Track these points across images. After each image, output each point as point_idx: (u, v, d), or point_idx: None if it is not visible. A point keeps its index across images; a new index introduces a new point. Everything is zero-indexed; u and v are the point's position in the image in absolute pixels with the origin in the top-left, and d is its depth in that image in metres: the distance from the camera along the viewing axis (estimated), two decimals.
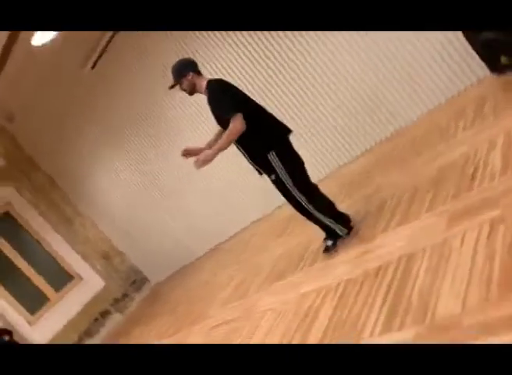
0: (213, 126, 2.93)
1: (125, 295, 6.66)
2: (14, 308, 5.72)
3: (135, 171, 5.88)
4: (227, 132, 2.56)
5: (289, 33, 3.99)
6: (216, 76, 4.17)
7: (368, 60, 3.80)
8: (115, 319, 6.42)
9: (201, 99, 2.80)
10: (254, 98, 2.84)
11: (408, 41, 3.56)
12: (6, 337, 4.93)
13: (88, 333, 6.11)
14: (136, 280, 6.87)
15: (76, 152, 6.16)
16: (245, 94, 2.77)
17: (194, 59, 2.95)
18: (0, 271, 5.92)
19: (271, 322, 2.57)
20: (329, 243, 2.75)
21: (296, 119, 4.36)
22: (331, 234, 2.75)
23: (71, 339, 5.86)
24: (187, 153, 2.89)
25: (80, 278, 6.44)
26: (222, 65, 4.46)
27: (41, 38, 4.31)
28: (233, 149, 2.71)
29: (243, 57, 4.34)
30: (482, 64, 3.29)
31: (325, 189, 3.93)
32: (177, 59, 2.93)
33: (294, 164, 2.68)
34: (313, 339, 2.02)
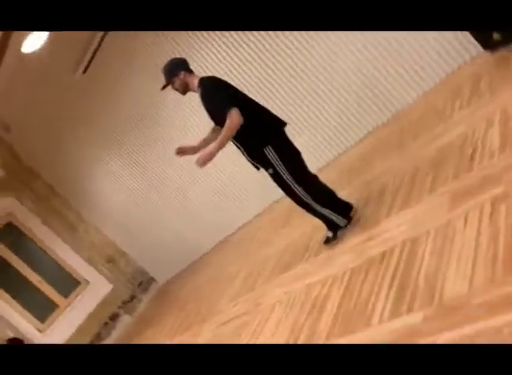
0: (209, 124, 2.92)
1: (133, 297, 6.69)
2: (23, 316, 5.75)
3: (135, 173, 5.88)
4: (225, 127, 2.54)
5: None
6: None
7: (360, 46, 3.78)
8: (125, 321, 6.46)
9: (196, 97, 2.79)
10: (247, 93, 2.83)
11: None
12: None
13: (99, 337, 6.14)
14: (143, 281, 6.89)
15: (75, 158, 6.16)
16: (238, 90, 2.76)
17: (185, 58, 2.93)
18: (7, 281, 5.95)
19: (280, 314, 2.57)
20: (329, 234, 2.75)
21: (292, 109, 4.35)
22: (331, 226, 2.74)
23: None
24: (181, 151, 2.89)
25: (87, 283, 6.46)
26: (215, 63, 4.44)
27: (31, 45, 4.29)
28: (230, 145, 2.70)
29: (236, 52, 4.32)
30: (474, 41, 3.27)
31: (325, 177, 3.93)
32: (168, 59, 2.91)
33: (291, 157, 2.67)
34: (323, 328, 2.03)
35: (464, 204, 1.90)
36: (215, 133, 2.88)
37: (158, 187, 5.81)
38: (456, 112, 2.88)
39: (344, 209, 2.77)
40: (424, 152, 2.77)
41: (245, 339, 2.68)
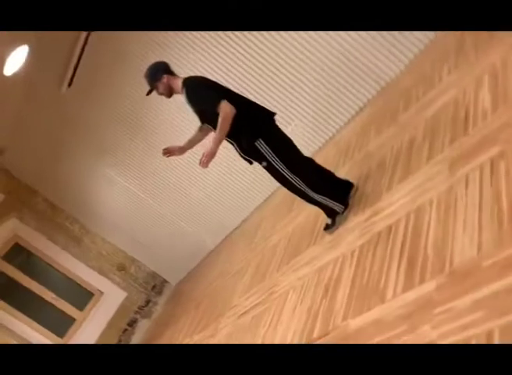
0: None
1: (148, 301, 6.72)
2: (42, 334, 5.79)
3: (133, 179, 5.87)
4: (220, 121, 2.53)
5: None
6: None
7: None
8: (144, 325, 6.50)
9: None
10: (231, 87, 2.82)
11: None
12: None
13: None
14: (156, 285, 6.93)
15: (71, 172, 6.15)
16: (221, 85, 2.75)
17: (165, 61, 2.91)
18: (21, 302, 5.98)
19: (295, 299, 2.58)
20: (329, 221, 2.75)
21: (277, 97, 4.34)
22: (329, 212, 2.74)
23: None
24: (168, 152, 2.88)
25: (101, 293, 6.48)
26: (194, 62, 4.41)
27: (12, 67, 4.28)
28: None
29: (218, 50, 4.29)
30: None
31: (324, 157, 3.94)
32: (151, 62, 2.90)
33: (283, 147, 2.66)
34: (339, 308, 2.03)
35: (463, 168, 1.89)
36: (201, 132, 2.88)
37: (158, 189, 5.81)
38: (445, 76, 2.86)
39: (344, 191, 2.77)
40: (417, 121, 2.75)
41: (263, 328, 2.69)
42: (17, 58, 4.47)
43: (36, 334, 5.74)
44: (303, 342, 2.11)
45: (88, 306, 6.35)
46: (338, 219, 2.71)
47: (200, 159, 2.60)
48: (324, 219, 2.94)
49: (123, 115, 5.21)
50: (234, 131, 2.56)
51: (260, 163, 2.66)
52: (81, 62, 4.78)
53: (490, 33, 2.72)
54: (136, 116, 5.15)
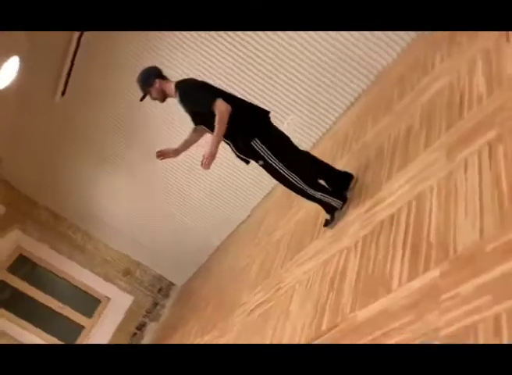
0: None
1: (155, 304, 6.74)
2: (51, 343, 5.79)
3: (132, 183, 5.87)
4: (217, 119, 2.53)
5: None
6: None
7: None
8: (153, 328, 6.51)
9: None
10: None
11: None
12: None
13: None
14: (163, 287, 6.94)
15: (71, 180, 6.16)
16: (214, 86, 2.76)
17: (156, 66, 2.92)
18: (29, 312, 6.00)
19: (302, 294, 2.59)
20: (328, 217, 2.75)
21: (271, 93, 4.33)
22: (328, 208, 2.74)
23: None
24: (161, 154, 2.88)
25: (108, 299, 6.50)
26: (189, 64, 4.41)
27: (4, 80, 4.29)
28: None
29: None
30: None
31: (322, 149, 3.94)
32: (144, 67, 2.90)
33: (280, 145, 2.67)
34: (346, 300, 2.04)
35: (461, 153, 1.89)
36: (195, 133, 2.89)
37: (158, 192, 5.81)
38: (438, 62, 2.86)
39: (343, 182, 2.77)
40: (413, 109, 2.75)
41: (272, 325, 2.69)
42: (9, 70, 4.47)
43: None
44: (312, 336, 2.12)
45: (96, 313, 6.36)
46: (337, 214, 2.71)
47: (202, 161, 2.60)
48: (324, 213, 2.94)
49: (120, 119, 5.20)
50: (230, 132, 2.57)
51: (257, 162, 2.66)
52: (73, 69, 4.77)
53: None
54: (132, 119, 5.15)
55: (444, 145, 2.08)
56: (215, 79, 4.37)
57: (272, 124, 2.73)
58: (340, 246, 2.47)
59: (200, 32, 4.18)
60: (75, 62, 4.70)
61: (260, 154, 2.58)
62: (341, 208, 2.70)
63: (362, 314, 1.82)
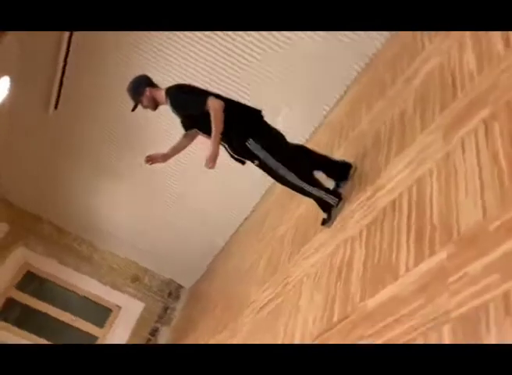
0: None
1: (166, 308, 6.75)
2: None
3: (131, 189, 5.87)
4: (212, 117, 2.53)
5: None
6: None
7: None
8: (166, 333, 6.53)
9: None
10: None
11: None
12: None
13: None
14: (172, 291, 6.95)
15: (71, 192, 6.15)
16: (206, 90, 2.76)
17: (145, 74, 2.92)
18: (41, 327, 6.00)
19: (310, 287, 2.58)
20: (325, 216, 2.75)
21: (261, 92, 4.32)
22: (324, 206, 2.74)
23: None
24: (150, 159, 2.88)
25: (119, 308, 6.50)
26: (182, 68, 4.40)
27: None
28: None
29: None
30: None
31: (318, 141, 3.93)
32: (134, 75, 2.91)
33: (275, 143, 2.66)
34: (355, 290, 2.03)
35: (458, 133, 1.88)
36: (185, 139, 2.90)
37: (158, 198, 5.81)
38: (428, 44, 2.84)
39: (342, 172, 2.77)
40: (405, 92, 2.74)
41: (283, 320, 2.69)
42: (0, 90, 4.48)
43: None
44: (324, 328, 2.11)
45: (108, 322, 6.37)
46: (333, 212, 2.71)
47: (206, 162, 2.60)
48: None
49: (114, 128, 5.19)
50: (224, 133, 2.56)
51: (252, 162, 2.66)
52: (64, 81, 4.76)
53: None
54: (128, 126, 5.14)
55: (440, 127, 2.08)
56: (204, 78, 4.36)
57: (265, 122, 2.73)
58: (345, 236, 2.46)
59: (188, 33, 4.16)
60: (65, 75, 4.69)
61: (255, 154, 2.58)
62: (337, 205, 2.69)
63: (372, 302, 1.81)
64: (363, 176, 2.67)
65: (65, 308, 6.22)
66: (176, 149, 2.97)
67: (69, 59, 4.54)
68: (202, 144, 2.78)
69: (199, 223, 5.90)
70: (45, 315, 6.10)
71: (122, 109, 4.86)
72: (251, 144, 2.56)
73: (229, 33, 4.07)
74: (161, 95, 2.74)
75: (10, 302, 6.14)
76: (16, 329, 5.93)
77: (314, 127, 4.50)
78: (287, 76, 4.23)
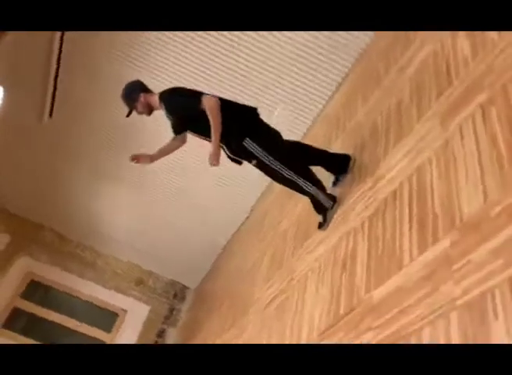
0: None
1: (172, 309, 6.76)
2: None
3: (131, 192, 5.86)
4: (209, 114, 2.53)
5: None
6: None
7: None
8: (173, 334, 6.53)
9: None
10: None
11: None
12: None
13: None
14: (177, 292, 6.96)
15: (70, 198, 6.15)
16: (199, 91, 2.76)
17: (139, 80, 2.92)
18: (48, 335, 6.01)
19: (315, 281, 2.58)
20: (320, 219, 2.74)
21: (263, 83, 4.31)
22: (319, 208, 2.73)
23: None
24: (135, 158, 2.87)
25: (125, 312, 6.51)
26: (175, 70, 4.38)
27: None
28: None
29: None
30: None
31: (315, 135, 3.91)
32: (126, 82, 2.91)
33: (271, 142, 2.66)
34: (359, 282, 2.03)
35: (455, 120, 1.87)
36: (174, 142, 2.92)
37: (158, 200, 5.81)
38: (420, 32, 2.83)
39: (342, 165, 2.76)
40: (400, 82, 2.73)
41: (290, 315, 2.69)
42: None
43: None
44: (331, 322, 2.11)
45: (115, 327, 6.38)
46: (329, 215, 2.70)
47: (209, 161, 2.60)
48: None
49: (110, 132, 5.18)
50: (221, 134, 2.55)
51: (250, 162, 2.66)
52: (57, 88, 4.75)
53: None
54: (123, 131, 5.12)
55: (437, 115, 2.07)
56: (197, 78, 4.35)
57: (262, 121, 2.73)
58: (347, 229, 2.46)
59: (180, 33, 4.14)
60: (58, 80, 4.67)
61: (253, 153, 2.57)
62: (332, 207, 2.68)
63: (378, 293, 1.81)
64: (362, 167, 2.66)
65: (71, 314, 6.23)
66: (163, 152, 2.99)
67: (61, 64, 4.52)
68: (202, 146, 2.78)
69: (200, 222, 5.90)
70: (52, 322, 6.10)
71: (117, 113, 4.87)
72: (248, 144, 2.56)
73: (224, 33, 4.06)
74: (155, 100, 2.75)
75: (16, 312, 6.14)
76: (23, 338, 5.94)
77: (311, 121, 4.49)
78: (280, 72, 4.22)
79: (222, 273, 5.58)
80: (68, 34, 4.22)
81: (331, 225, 2.73)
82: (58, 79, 4.65)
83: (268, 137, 2.67)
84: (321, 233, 2.83)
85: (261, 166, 2.64)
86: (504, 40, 1.83)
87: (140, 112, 2.83)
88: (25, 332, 6.03)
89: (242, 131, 2.59)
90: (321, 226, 2.77)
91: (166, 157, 3.12)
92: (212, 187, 5.39)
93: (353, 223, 2.41)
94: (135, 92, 2.77)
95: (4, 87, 4.57)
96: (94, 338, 6.18)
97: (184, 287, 7.04)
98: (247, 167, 4.90)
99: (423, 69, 2.47)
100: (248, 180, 5.13)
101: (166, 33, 4.17)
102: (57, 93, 4.79)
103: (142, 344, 6.07)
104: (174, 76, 4.40)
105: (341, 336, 1.93)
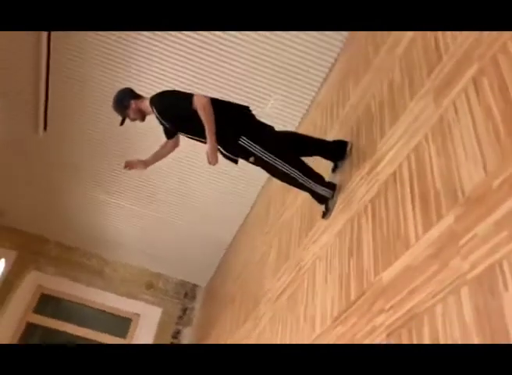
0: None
1: (185, 309, 6.79)
2: None
3: (132, 196, 5.85)
4: (202, 114, 2.52)
5: None
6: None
7: None
8: (188, 333, 6.56)
9: None
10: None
11: None
12: None
13: None
14: (188, 291, 6.98)
15: (72, 209, 6.15)
16: (191, 93, 2.75)
17: (128, 87, 2.93)
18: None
19: (323, 269, 2.59)
20: (323, 209, 2.76)
21: (252, 75, 4.29)
22: (320, 200, 2.75)
23: None
24: (129, 165, 2.89)
25: (138, 316, 6.53)
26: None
27: None
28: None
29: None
30: None
31: (311, 123, 3.90)
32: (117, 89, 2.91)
33: (267, 138, 2.66)
34: (367, 266, 2.03)
35: (448, 95, 1.87)
36: (167, 146, 2.93)
37: (159, 202, 5.80)
38: None
39: (339, 151, 2.76)
40: (390, 62, 2.72)
41: (302, 305, 2.70)
42: None
43: None
44: (343, 307, 2.12)
45: (130, 332, 6.41)
46: (330, 203, 2.72)
47: (207, 159, 2.60)
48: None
49: (106, 140, 5.17)
50: (216, 134, 2.55)
51: (247, 160, 2.66)
52: (49, 102, 4.73)
53: None
54: (118, 138, 5.11)
55: (429, 91, 2.06)
56: (187, 77, 4.33)
57: (254, 117, 2.73)
58: (350, 214, 2.46)
59: (162, 33, 4.11)
60: (49, 96, 4.66)
61: (250, 151, 2.57)
62: (332, 197, 2.69)
63: (387, 275, 1.81)
64: (360, 151, 2.66)
65: (85, 324, 6.26)
66: (157, 156, 2.99)
67: (50, 75, 4.50)
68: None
69: (203, 220, 5.90)
70: (66, 334, 6.13)
71: (112, 120, 4.85)
72: (244, 142, 2.56)
73: (218, 34, 4.03)
74: (146, 105, 2.75)
75: (30, 327, 6.17)
76: None
77: (305, 110, 4.47)
78: (269, 62, 4.19)
79: (231, 268, 5.59)
80: (54, 43, 4.20)
81: (334, 212, 2.73)
82: (49, 92, 4.62)
83: (264, 134, 2.67)
84: (325, 221, 2.83)
85: (259, 163, 2.64)
86: None
87: (133, 119, 2.83)
88: None
89: (236, 130, 2.59)
90: (324, 215, 2.78)
91: (163, 159, 3.13)
92: (212, 184, 5.39)
93: (356, 208, 2.41)
94: (125, 100, 2.77)
95: None
96: None
97: (194, 286, 7.06)
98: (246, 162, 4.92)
99: (412, 47, 2.46)
100: (248, 174, 5.12)
101: (155, 32, 4.14)
102: (49, 107, 4.77)
103: (141, 344, 6.08)
104: (164, 79, 4.38)
105: (355, 321, 1.94)
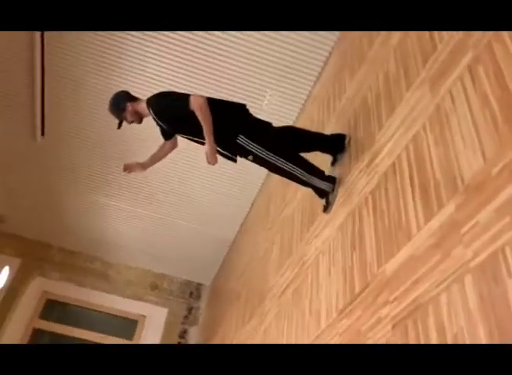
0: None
1: (190, 309, 6.80)
2: None
3: (132, 198, 5.86)
4: (199, 114, 2.51)
5: None
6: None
7: None
8: (194, 332, 6.58)
9: None
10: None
11: None
12: None
13: None
14: (193, 291, 7.00)
15: (72, 213, 6.15)
16: (187, 93, 2.75)
17: (123, 90, 2.92)
18: None
19: (327, 263, 2.59)
20: (324, 203, 2.76)
21: (246, 72, 4.28)
22: (321, 194, 2.75)
23: None
24: (127, 168, 2.90)
25: (144, 317, 6.55)
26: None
27: None
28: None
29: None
30: None
31: (309, 117, 3.90)
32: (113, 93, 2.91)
33: (265, 135, 2.65)
34: (370, 258, 2.03)
35: (444, 84, 1.86)
36: (164, 147, 2.92)
37: (159, 201, 5.80)
38: None
39: (337, 144, 2.76)
40: (385, 53, 2.71)
41: (307, 299, 2.71)
42: None
43: None
44: (348, 300, 2.12)
45: (136, 333, 6.43)
46: (331, 197, 2.72)
47: (207, 159, 2.60)
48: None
49: (104, 143, 5.16)
50: (214, 134, 2.54)
51: (246, 158, 2.65)
52: (45, 107, 4.73)
53: None
54: (115, 141, 5.11)
55: (425, 81, 2.06)
56: (182, 77, 4.32)
57: (251, 115, 2.72)
58: (351, 207, 2.46)
59: (158, 32, 4.10)
60: (45, 100, 4.65)
61: (248, 149, 2.57)
62: (333, 190, 2.70)
63: (390, 267, 1.81)
64: (358, 144, 2.66)
65: (91, 328, 6.28)
66: (155, 158, 2.99)
67: (45, 83, 4.49)
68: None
69: (204, 219, 5.91)
70: (73, 338, 6.15)
71: (109, 123, 4.85)
72: (242, 140, 2.56)
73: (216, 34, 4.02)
74: (143, 107, 2.74)
75: (37, 333, 6.19)
76: None
77: (301, 104, 4.46)
78: (263, 58, 4.17)
79: (234, 266, 5.60)
80: (47, 47, 4.19)
81: (335, 206, 2.73)
82: (45, 97, 4.62)
83: (261, 131, 2.67)
84: (326, 215, 2.84)
85: (258, 161, 2.64)
86: None
87: (130, 122, 2.82)
88: None
89: (234, 129, 2.59)
90: (325, 209, 2.78)
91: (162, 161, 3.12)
92: (211, 183, 5.39)
93: (356, 201, 2.41)
94: (121, 103, 2.77)
95: None
96: None
97: (199, 285, 7.08)
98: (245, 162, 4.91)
99: (406, 38, 2.45)
100: (247, 171, 5.12)
101: (148, 33, 4.13)
102: (45, 112, 4.76)
103: (142, 344, 6.10)
104: (159, 79, 4.37)
105: (360, 313, 1.95)
